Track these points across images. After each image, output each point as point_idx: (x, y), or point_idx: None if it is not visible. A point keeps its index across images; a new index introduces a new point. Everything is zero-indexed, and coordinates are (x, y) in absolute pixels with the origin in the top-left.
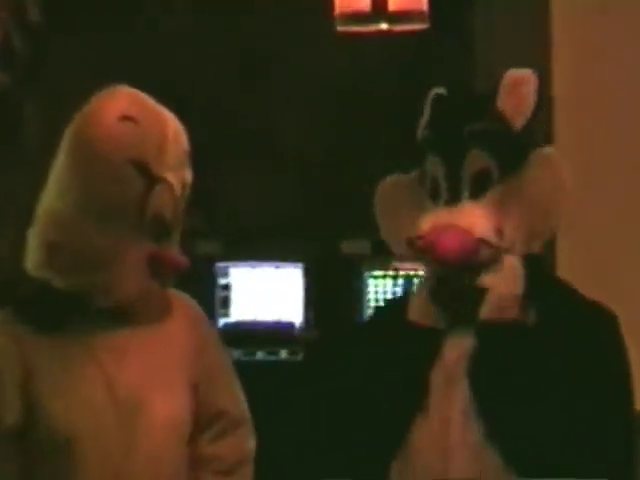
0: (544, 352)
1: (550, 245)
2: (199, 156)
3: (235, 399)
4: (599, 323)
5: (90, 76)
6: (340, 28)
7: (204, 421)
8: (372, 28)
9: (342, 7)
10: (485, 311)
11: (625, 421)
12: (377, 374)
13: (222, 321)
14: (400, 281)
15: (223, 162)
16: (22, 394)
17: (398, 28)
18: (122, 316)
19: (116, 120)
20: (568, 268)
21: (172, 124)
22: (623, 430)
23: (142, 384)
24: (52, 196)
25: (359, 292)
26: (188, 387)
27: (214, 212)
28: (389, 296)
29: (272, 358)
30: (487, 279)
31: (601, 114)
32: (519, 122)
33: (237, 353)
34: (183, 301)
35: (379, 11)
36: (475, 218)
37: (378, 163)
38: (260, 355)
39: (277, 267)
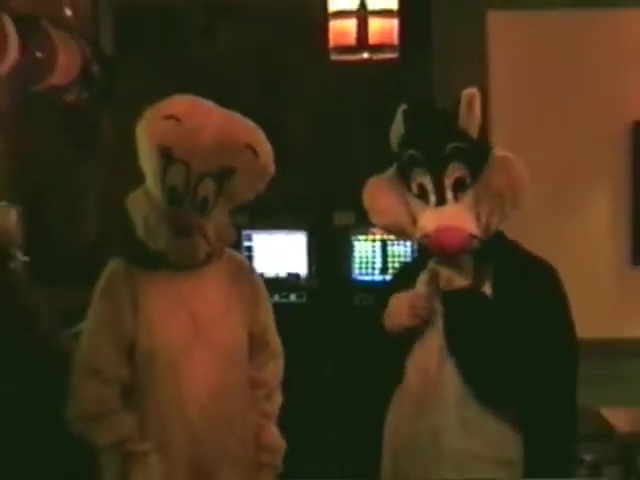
0: (501, 301)
1: None
2: None
3: (274, 334)
4: (544, 273)
5: (152, 93)
6: (333, 57)
7: (254, 349)
8: (357, 57)
9: (334, 41)
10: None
11: (569, 346)
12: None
13: None
14: (377, 244)
15: None
16: (132, 316)
17: (376, 57)
18: (195, 265)
19: (160, 118)
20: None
21: (216, 124)
22: (567, 353)
23: (213, 312)
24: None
25: (347, 252)
26: (243, 318)
27: None
28: (370, 255)
29: (284, 301)
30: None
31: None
32: (475, 132)
33: None
34: (237, 257)
35: (362, 44)
36: (464, 218)
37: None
38: (276, 298)
39: (287, 233)
